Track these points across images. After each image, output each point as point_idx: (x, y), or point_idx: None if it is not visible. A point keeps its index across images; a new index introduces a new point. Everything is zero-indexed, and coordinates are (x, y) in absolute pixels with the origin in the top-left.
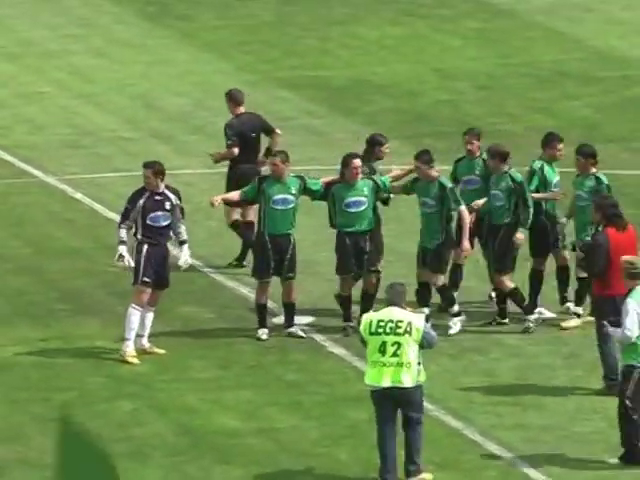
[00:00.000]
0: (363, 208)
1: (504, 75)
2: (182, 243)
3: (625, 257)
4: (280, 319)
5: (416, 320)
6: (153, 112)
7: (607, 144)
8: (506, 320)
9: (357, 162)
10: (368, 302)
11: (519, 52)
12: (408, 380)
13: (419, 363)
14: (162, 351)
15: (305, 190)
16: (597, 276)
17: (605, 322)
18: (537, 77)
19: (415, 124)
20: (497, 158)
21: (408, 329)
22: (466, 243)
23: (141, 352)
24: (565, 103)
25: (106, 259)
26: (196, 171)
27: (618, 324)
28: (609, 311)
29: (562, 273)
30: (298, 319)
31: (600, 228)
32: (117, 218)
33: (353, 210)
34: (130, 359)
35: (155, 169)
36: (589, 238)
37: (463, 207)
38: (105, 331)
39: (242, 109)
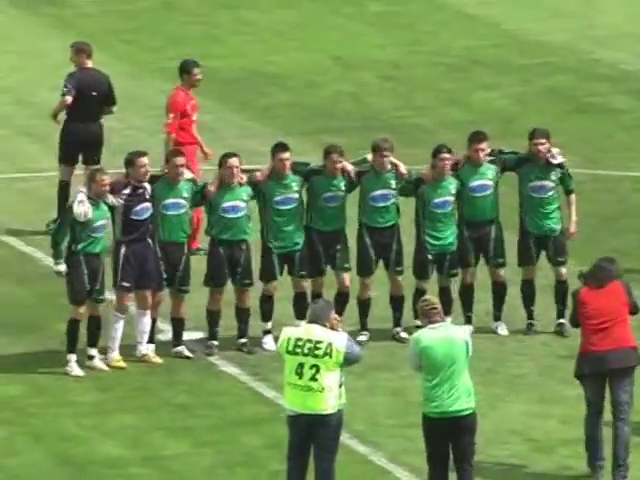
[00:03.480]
0: (240, 215)
1: (412, 64)
2: None
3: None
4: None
5: (337, 340)
6: (24, 108)
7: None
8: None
9: (234, 161)
10: (244, 319)
11: (428, 38)
12: (326, 406)
13: (340, 385)
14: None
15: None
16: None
17: None
18: (448, 66)
19: (314, 119)
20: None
21: (328, 351)
22: None
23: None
24: (480, 94)
25: None
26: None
27: None
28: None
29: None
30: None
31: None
32: None
33: (230, 216)
34: (116, 364)
35: None
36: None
37: None
38: None
39: (90, 63)
